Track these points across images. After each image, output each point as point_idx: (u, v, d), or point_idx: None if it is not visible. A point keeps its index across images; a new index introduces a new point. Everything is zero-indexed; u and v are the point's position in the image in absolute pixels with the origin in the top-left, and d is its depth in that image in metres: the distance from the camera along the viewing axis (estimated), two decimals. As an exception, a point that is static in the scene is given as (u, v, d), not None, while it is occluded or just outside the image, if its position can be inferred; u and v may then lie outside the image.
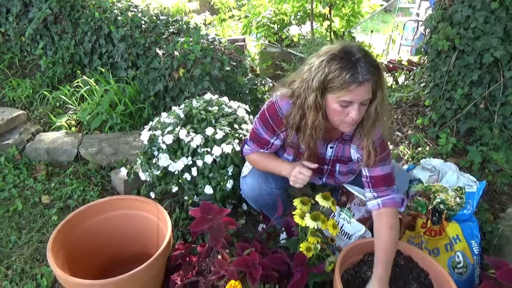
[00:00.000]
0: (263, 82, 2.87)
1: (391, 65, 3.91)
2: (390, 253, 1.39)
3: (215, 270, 1.41)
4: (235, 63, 2.65)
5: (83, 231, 1.61)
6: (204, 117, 1.96)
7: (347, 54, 1.21)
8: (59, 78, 3.02)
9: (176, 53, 2.57)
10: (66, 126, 2.61)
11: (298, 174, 1.42)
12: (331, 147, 1.54)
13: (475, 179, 1.82)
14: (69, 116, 2.68)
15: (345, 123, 1.31)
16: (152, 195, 1.99)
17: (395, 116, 2.88)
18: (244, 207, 2.06)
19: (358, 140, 1.44)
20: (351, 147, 1.51)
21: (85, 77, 2.78)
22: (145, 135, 1.96)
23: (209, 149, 1.83)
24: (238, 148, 1.82)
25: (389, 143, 1.47)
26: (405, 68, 3.76)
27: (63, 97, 2.75)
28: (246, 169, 1.69)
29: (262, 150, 1.59)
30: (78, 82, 2.81)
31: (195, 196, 1.90)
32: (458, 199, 1.71)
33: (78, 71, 2.97)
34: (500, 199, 2.20)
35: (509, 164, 2.27)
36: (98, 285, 1.32)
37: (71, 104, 2.71)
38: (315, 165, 1.43)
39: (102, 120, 2.54)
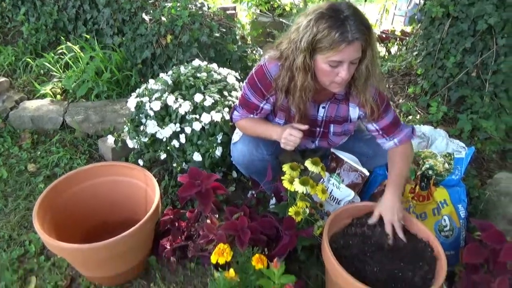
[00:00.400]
0: (253, 50, 2.81)
1: (384, 35, 3.85)
2: (403, 177, 1.47)
3: (204, 234, 1.41)
4: (224, 30, 2.58)
5: (69, 197, 1.59)
6: (193, 84, 1.91)
7: (336, 12, 1.17)
8: (43, 45, 2.92)
9: (163, 18, 2.49)
10: (51, 94, 2.54)
11: (289, 135, 1.40)
12: (323, 107, 1.51)
13: (464, 145, 1.82)
14: (54, 84, 2.61)
15: (335, 83, 1.29)
16: (141, 162, 1.97)
17: (387, 86, 2.85)
18: (234, 174, 2.05)
19: (355, 98, 1.43)
20: (349, 106, 1.49)
21: (69, 44, 2.69)
22: (132, 101, 1.91)
23: (197, 116, 1.80)
24: (227, 117, 1.78)
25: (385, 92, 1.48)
26: (398, 38, 3.71)
27: (47, 64, 2.67)
28: (237, 135, 1.67)
29: (251, 116, 1.56)
30: (62, 49, 2.72)
31: (184, 163, 1.88)
32: (446, 165, 1.71)
33: (62, 38, 2.87)
34: (488, 166, 2.22)
35: (498, 132, 2.28)
36: (85, 249, 1.31)
37: (56, 72, 2.64)
38: (305, 126, 1.41)
39: (88, 88, 2.48)
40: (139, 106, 1.91)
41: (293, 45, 1.27)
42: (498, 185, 1.81)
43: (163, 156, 1.87)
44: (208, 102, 1.82)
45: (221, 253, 1.28)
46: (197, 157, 1.80)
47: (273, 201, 1.74)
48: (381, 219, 1.45)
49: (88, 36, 2.78)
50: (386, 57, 3.44)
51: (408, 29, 3.93)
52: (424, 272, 1.35)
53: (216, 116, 1.78)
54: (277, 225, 1.46)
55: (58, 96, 2.56)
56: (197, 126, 1.78)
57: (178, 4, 2.54)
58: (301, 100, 1.37)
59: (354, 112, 1.51)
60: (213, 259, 1.28)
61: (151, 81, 2.00)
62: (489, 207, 1.81)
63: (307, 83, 1.31)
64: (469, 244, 1.35)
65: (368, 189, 1.78)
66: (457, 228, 1.63)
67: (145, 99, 1.90)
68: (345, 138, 1.67)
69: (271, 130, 1.50)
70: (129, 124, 1.93)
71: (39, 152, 2.18)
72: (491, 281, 1.29)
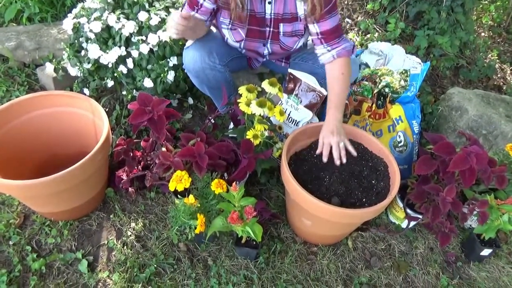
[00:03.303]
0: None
1: None
2: (342, 97, 1.47)
3: (160, 162, 1.36)
4: None
5: (9, 131, 1.46)
6: (136, 1, 1.72)
7: None
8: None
9: None
10: (-26, 18, 2.23)
11: (171, 20, 1.33)
12: (269, 3, 1.44)
13: (420, 61, 1.82)
14: (-24, 7, 2.28)
15: None
16: (86, 92, 1.82)
17: (345, 2, 2.74)
18: (190, 101, 1.96)
19: None
20: (296, 0, 1.43)
21: (-13, -43, 2.30)
22: (68, 23, 1.71)
23: (144, 38, 1.65)
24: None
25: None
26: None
27: (-36, -18, 2.30)
28: (189, 42, 1.56)
29: (192, 12, 1.45)
30: (-20, -37, 2.33)
31: (135, 90, 1.76)
32: (402, 82, 1.72)
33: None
34: (442, 83, 2.27)
35: (452, 48, 2.30)
36: (32, 185, 1.23)
37: (-24, -8, 2.29)
38: (189, 14, 1.33)
39: (17, 10, 2.18)
40: (77, 28, 1.71)
41: None
42: (450, 100, 1.86)
43: (110, 83, 1.74)
44: (155, 21, 1.66)
45: (179, 180, 1.25)
46: (148, 83, 1.69)
47: (231, 125, 1.69)
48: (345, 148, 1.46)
49: None
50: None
51: None
52: (379, 185, 1.41)
53: (165, 36, 1.64)
54: (235, 149, 1.43)
55: (-17, 21, 2.25)
56: (144, 48, 1.64)
57: None
58: None
59: (300, 6, 1.44)
60: (171, 186, 1.25)
61: (88, -1, 1.78)
62: (441, 122, 1.87)
63: None
64: (421, 157, 1.40)
65: (326, 109, 1.77)
66: (411, 143, 1.68)
67: (83, 20, 1.70)
68: (298, 41, 1.58)
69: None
70: (68, 49, 1.75)
71: (-31, 85, 1.96)
72: (440, 190, 1.36)
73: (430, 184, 1.41)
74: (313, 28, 1.46)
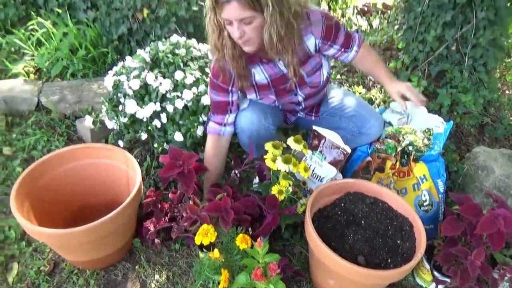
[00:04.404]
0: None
1: (365, 9, 3.81)
2: (381, 63, 1.72)
3: (187, 216, 1.40)
4: (203, 3, 2.49)
5: (49, 181, 1.56)
6: (172, 61, 1.86)
7: None
8: (12, 21, 2.77)
9: (139, -8, 2.38)
10: (24, 73, 2.44)
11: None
12: (279, 59, 1.55)
13: (442, 120, 1.84)
14: (26, 63, 2.50)
15: (240, 43, 1.39)
16: (121, 143, 1.93)
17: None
18: (217, 153, 2.04)
19: (306, 29, 1.51)
20: (305, 39, 1.53)
21: (40, 19, 2.56)
22: (109, 80, 1.85)
23: (179, 94, 1.76)
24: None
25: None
26: (379, 12, 3.68)
27: (18, 41, 2.54)
28: (244, 103, 1.67)
29: (226, 116, 1.61)
30: (33, 25, 2.59)
31: (165, 143, 1.85)
32: (426, 140, 1.74)
33: (32, 12, 2.72)
34: (467, 140, 2.27)
35: (476, 106, 2.32)
36: (66, 234, 1.29)
37: (28, 49, 2.52)
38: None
39: (62, 66, 2.38)
40: (117, 85, 1.85)
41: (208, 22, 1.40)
42: (475, 159, 1.86)
43: (144, 136, 1.84)
44: (190, 80, 1.78)
45: (205, 234, 1.29)
46: (178, 137, 1.78)
47: (256, 180, 1.74)
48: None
49: (60, 11, 2.65)
50: (368, 31, 3.41)
51: (390, 1, 3.90)
52: (404, 246, 1.39)
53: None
54: (260, 204, 1.46)
55: (32, 76, 2.45)
56: (179, 104, 1.75)
57: (154, -23, 2.43)
58: (235, 62, 1.47)
59: (310, 42, 1.55)
60: (197, 240, 1.29)
61: (129, 58, 1.93)
62: (467, 181, 1.86)
63: (225, 41, 1.40)
64: (447, 218, 1.39)
65: (350, 166, 1.80)
66: (436, 202, 1.67)
67: (123, 77, 1.84)
68: (322, 74, 1.66)
69: (207, 180, 1.68)
70: (107, 104, 1.88)
71: (14, 135, 2.11)
72: (468, 253, 1.33)
73: (458, 246, 1.38)
74: (333, 49, 1.60)
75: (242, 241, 1.28)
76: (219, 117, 1.62)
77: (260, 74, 1.58)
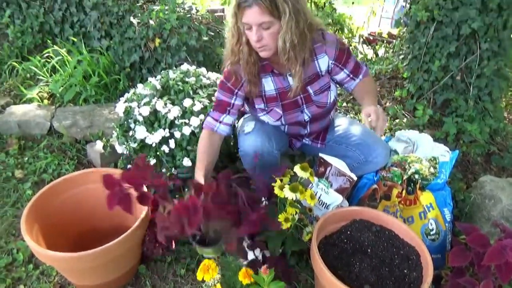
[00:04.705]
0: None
1: (371, 38, 3.89)
2: (375, 94, 1.68)
3: (160, 226, 1.26)
4: (213, 33, 2.58)
5: (58, 205, 1.58)
6: (182, 88, 1.91)
7: None
8: (29, 48, 2.88)
9: (151, 22, 2.48)
10: (38, 98, 2.51)
11: None
12: (290, 75, 1.62)
13: (448, 149, 1.85)
14: (41, 88, 2.58)
15: (257, 47, 1.48)
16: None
17: (374, 88, 2.89)
18: (224, 179, 2.06)
19: (321, 47, 1.60)
20: (317, 58, 1.61)
21: (56, 47, 2.66)
22: (120, 107, 1.90)
23: (187, 121, 1.81)
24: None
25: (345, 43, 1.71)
26: (385, 41, 3.76)
27: (33, 68, 2.63)
28: (248, 126, 1.69)
29: (223, 115, 1.66)
30: (49, 52, 2.69)
31: (173, 168, 1.88)
32: (432, 169, 1.75)
33: (48, 40, 2.83)
34: (473, 169, 2.27)
35: (482, 135, 2.33)
36: (74, 258, 1.30)
37: (43, 76, 2.61)
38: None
39: (75, 92, 2.46)
40: (128, 111, 1.90)
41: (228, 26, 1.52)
42: (482, 188, 1.86)
43: (152, 161, 1.87)
44: (198, 107, 1.82)
45: (206, 270, 1.29)
46: (186, 162, 1.80)
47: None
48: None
49: (75, 39, 2.76)
50: (374, 59, 3.48)
51: (395, 31, 3.98)
52: (411, 275, 1.38)
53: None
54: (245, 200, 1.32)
55: (45, 101, 2.53)
56: (186, 130, 1.79)
57: (166, 8, 2.53)
58: (249, 68, 1.55)
59: (323, 61, 1.63)
60: (199, 276, 1.29)
61: (140, 85, 1.99)
62: (474, 210, 1.85)
63: (242, 47, 1.50)
64: (455, 248, 1.38)
65: (356, 194, 1.80)
66: (443, 231, 1.66)
67: (134, 104, 1.89)
68: (330, 95, 1.71)
69: (199, 164, 1.61)
70: (118, 129, 1.92)
71: (26, 158, 2.16)
72: (476, 284, 1.32)
73: (465, 277, 1.37)
74: (343, 73, 1.67)
75: (245, 276, 1.28)
76: (216, 114, 1.67)
77: (269, 85, 1.65)
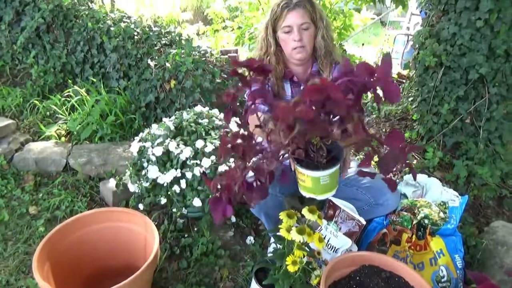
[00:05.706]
0: (254, 94, 2.89)
1: (381, 78, 3.96)
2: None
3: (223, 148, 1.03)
4: (226, 75, 2.67)
5: (70, 243, 1.61)
6: (194, 130, 1.97)
7: None
8: (50, 87, 3.02)
9: (167, 64, 2.59)
10: (56, 136, 2.61)
11: None
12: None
13: (457, 194, 1.85)
14: (59, 126, 2.68)
15: (294, 48, 1.61)
16: (141, 206, 1.99)
17: (384, 130, 2.92)
18: (233, 219, 2.07)
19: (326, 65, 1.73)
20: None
21: (76, 87, 2.78)
22: (134, 146, 1.96)
23: (198, 162, 1.85)
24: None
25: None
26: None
27: (53, 106, 2.75)
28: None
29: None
30: (69, 91, 2.81)
31: (184, 208, 1.90)
32: (441, 214, 1.73)
33: (69, 80, 2.97)
34: (485, 213, 2.24)
35: (493, 179, 2.32)
36: (83, 299, 1.32)
37: (61, 114, 2.71)
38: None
39: (92, 130, 2.54)
40: (142, 151, 1.96)
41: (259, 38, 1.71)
42: (494, 234, 1.83)
43: (163, 201, 1.90)
44: (209, 148, 1.87)
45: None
46: (197, 202, 1.83)
47: (270, 248, 1.75)
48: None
49: (94, 80, 2.88)
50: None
51: (405, 72, 4.06)
52: (421, 325, 1.35)
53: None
54: None
55: (63, 138, 2.62)
56: (197, 171, 1.82)
57: (183, 51, 2.65)
58: (277, 80, 1.67)
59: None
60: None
61: (154, 126, 2.06)
62: (486, 256, 1.81)
63: (270, 57, 1.66)
64: (466, 297, 1.35)
65: (365, 237, 1.79)
66: (455, 278, 1.63)
67: (148, 144, 1.95)
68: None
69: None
70: (131, 168, 1.97)
71: (41, 195, 2.21)
72: (489, 337, 1.28)
73: (478, 328, 1.33)
74: None
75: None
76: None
77: (287, 91, 1.76)
